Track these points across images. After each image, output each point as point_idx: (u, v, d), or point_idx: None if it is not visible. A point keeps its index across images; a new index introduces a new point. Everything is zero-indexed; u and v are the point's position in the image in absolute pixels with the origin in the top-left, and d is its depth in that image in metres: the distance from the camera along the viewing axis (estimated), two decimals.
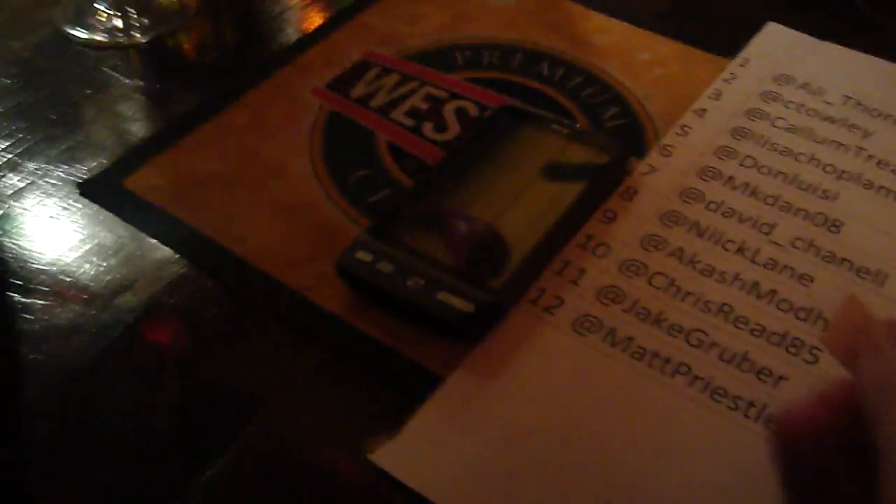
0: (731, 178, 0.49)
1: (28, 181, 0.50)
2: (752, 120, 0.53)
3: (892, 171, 0.50)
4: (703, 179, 0.49)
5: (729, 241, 0.46)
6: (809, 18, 0.61)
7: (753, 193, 0.48)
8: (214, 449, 0.38)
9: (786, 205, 0.48)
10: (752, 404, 0.39)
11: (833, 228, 0.47)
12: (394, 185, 0.49)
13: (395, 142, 0.51)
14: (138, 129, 0.53)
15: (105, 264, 0.45)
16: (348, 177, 0.49)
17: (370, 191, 0.48)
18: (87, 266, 0.45)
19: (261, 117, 0.53)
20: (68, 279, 0.44)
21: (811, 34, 0.59)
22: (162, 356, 0.42)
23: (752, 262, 0.45)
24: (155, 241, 0.46)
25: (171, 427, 0.39)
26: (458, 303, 0.40)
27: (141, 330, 0.42)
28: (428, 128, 0.52)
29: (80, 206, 0.48)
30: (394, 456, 0.37)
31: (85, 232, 0.47)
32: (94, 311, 0.43)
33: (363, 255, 0.43)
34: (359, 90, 0.54)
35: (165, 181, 0.49)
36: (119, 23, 0.61)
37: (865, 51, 0.58)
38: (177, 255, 0.46)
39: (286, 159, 0.50)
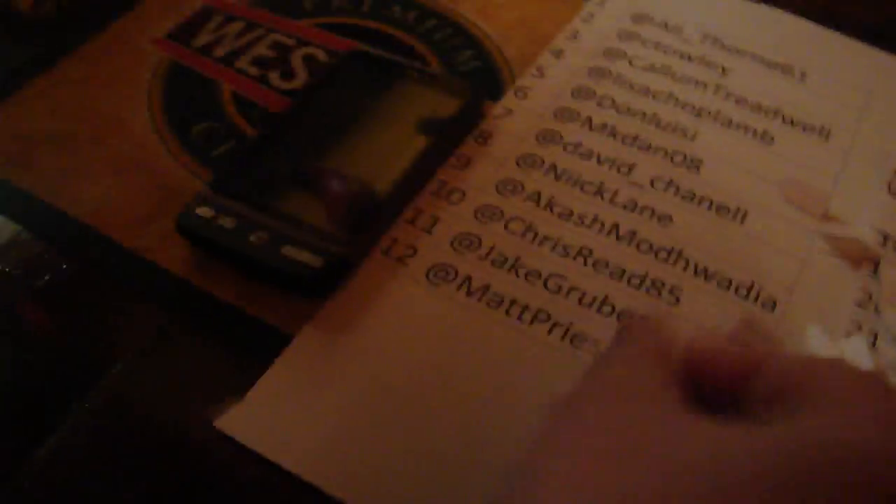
0: (588, 118, 0.48)
1: None
2: (610, 60, 0.51)
3: (751, 108, 0.49)
4: (560, 121, 0.48)
5: (587, 182, 0.45)
6: None
7: (612, 134, 0.47)
8: (51, 423, 0.35)
9: (645, 145, 0.47)
10: None
11: (692, 167, 0.46)
12: (239, 137, 0.46)
13: (240, 92, 0.48)
14: None
15: None
16: (191, 130, 0.46)
17: (214, 144, 0.46)
18: None
19: (96, 70, 0.49)
20: None
21: None
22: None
23: (611, 203, 0.44)
24: None
25: (2, 403, 0.36)
26: (304, 257, 0.38)
27: None
28: (275, 77, 0.49)
29: None
30: (240, 421, 0.35)
31: None
32: None
33: (204, 211, 0.40)
34: (201, 39, 0.52)
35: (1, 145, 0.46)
36: None
37: None
38: (6, 219, 0.42)
39: (124, 114, 0.47)
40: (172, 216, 0.41)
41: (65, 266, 0.41)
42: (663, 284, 0.40)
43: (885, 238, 0.43)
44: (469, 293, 0.40)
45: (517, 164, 0.45)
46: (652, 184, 0.45)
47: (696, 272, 0.41)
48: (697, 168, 0.46)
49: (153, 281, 0.40)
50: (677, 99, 0.49)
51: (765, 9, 0.56)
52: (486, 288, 0.40)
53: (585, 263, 0.41)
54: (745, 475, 0.22)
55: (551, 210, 0.43)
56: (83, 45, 0.51)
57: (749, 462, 0.22)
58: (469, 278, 0.40)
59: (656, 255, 0.42)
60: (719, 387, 0.27)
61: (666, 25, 0.54)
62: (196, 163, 0.44)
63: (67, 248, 0.42)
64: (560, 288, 0.40)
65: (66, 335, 0.39)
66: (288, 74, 0.49)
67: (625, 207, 0.44)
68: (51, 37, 0.51)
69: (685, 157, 0.46)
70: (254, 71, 0.49)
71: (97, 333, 0.39)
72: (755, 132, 0.48)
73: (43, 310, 0.40)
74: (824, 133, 0.48)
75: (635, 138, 0.47)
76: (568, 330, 0.39)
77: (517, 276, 0.40)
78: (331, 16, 0.54)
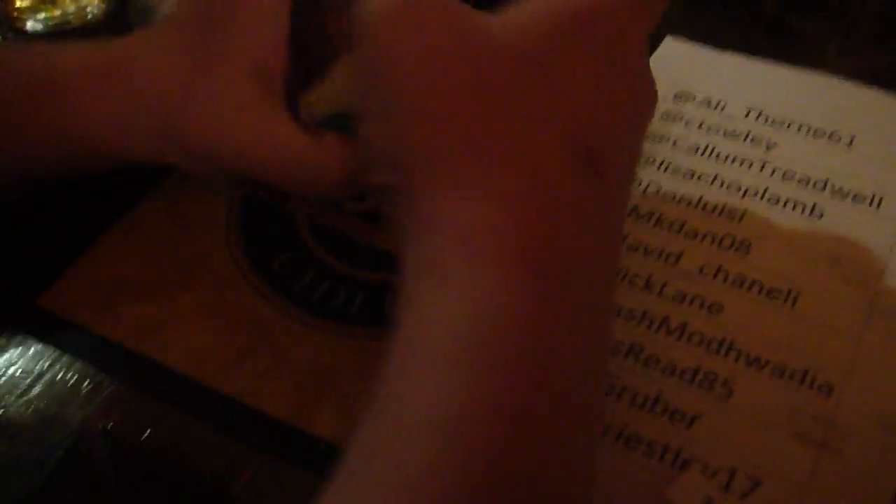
0: (635, 207, 0.48)
1: None
2: (654, 143, 0.52)
3: (798, 181, 0.49)
4: None
5: (635, 275, 0.45)
6: (713, 21, 0.60)
7: (658, 222, 0.48)
8: None
9: (692, 231, 0.47)
10: (666, 448, 0.38)
11: (741, 250, 0.46)
12: (319, 265, 0.47)
13: (316, 218, 0.50)
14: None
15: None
16: (271, 263, 0.47)
17: (296, 276, 0.47)
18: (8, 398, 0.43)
19: (175, 207, 0.51)
20: None
21: (715, 37, 0.58)
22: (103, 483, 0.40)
23: (660, 296, 0.44)
24: (79, 361, 0.44)
25: None
26: None
27: (75, 461, 0.40)
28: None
29: None
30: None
31: None
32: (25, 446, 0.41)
33: None
34: None
35: (83, 295, 0.47)
36: None
37: (773, 53, 0.57)
38: (94, 369, 0.43)
39: (203, 253, 0.48)
40: (264, 355, 0.42)
41: (165, 416, 0.41)
42: (716, 377, 0.41)
43: None
44: None
45: None
46: (701, 271, 0.45)
47: (748, 362, 0.41)
48: (747, 250, 0.46)
49: (254, 423, 0.41)
50: (723, 180, 0.50)
51: (810, 75, 0.56)
52: None
53: (637, 360, 0.42)
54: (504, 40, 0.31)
55: None
56: (162, 181, 0.52)
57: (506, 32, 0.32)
58: None
59: (707, 347, 0.42)
60: None
61: (709, 103, 0.55)
62: (280, 296, 0.46)
63: (161, 396, 0.42)
64: (612, 388, 0.41)
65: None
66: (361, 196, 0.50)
67: (674, 299, 0.44)
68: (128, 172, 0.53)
69: (734, 240, 0.46)
70: None
71: (203, 482, 0.39)
72: (804, 208, 0.48)
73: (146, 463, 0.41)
74: (875, 201, 0.48)
75: (682, 225, 0.47)
76: (622, 432, 0.39)
77: None
78: None
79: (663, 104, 0.55)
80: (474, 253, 0.30)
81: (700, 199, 0.49)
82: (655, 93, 0.36)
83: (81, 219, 0.50)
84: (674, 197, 0.49)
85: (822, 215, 0.48)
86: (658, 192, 0.49)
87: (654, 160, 0.51)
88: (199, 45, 0.40)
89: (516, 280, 0.29)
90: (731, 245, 0.46)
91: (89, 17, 0.66)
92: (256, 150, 0.39)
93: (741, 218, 0.47)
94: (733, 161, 0.51)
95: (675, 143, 0.52)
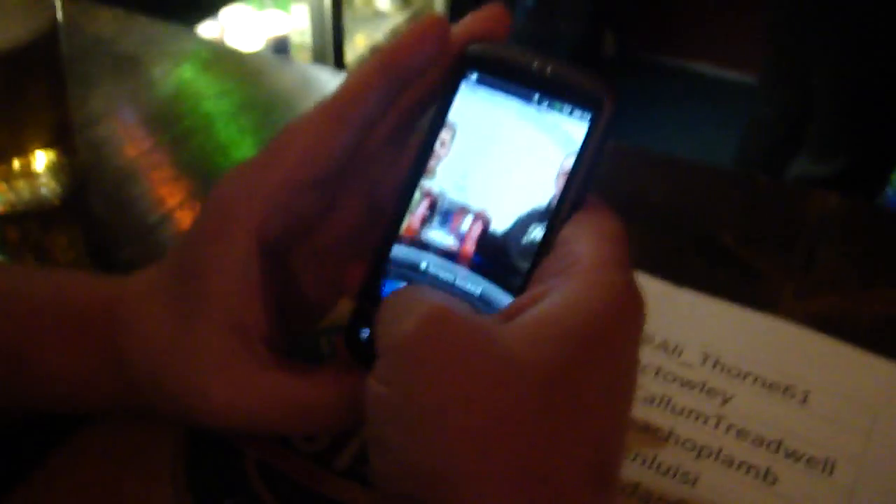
0: None
1: None
2: None
3: (753, 441, 0.49)
4: None
5: None
6: (670, 253, 0.61)
7: None
8: None
9: (645, 494, 0.46)
10: None
11: None
12: None
13: (264, 459, 0.49)
14: None
15: None
16: None
17: None
18: None
19: (118, 436, 0.49)
20: None
21: (673, 271, 0.59)
22: None
23: None
24: None
25: None
26: None
27: None
28: (299, 440, 0.49)
29: None
30: None
31: None
32: None
33: None
34: None
35: None
36: None
37: (730, 289, 0.58)
38: None
39: (147, 494, 0.47)
40: None
41: None
42: None
43: None
44: None
45: None
46: None
47: None
48: None
49: None
50: (678, 436, 0.49)
51: (766, 319, 0.56)
52: None
53: None
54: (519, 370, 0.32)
55: None
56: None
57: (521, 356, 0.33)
58: None
59: None
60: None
61: (666, 346, 0.55)
62: None
63: None
64: None
65: None
66: (310, 438, 0.49)
67: None
68: None
69: None
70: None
71: None
72: (758, 472, 0.48)
73: None
74: (828, 467, 0.48)
75: (636, 488, 0.47)
76: None
77: None
78: None
79: None
80: None
81: (654, 458, 0.48)
82: (637, 369, 0.37)
83: (11, 450, 0.48)
84: (629, 455, 0.48)
85: (775, 481, 0.48)
86: None
87: None
88: (178, 301, 0.40)
89: None
90: None
91: (44, 201, 0.66)
92: (243, 405, 0.39)
93: (695, 482, 0.47)
94: (689, 414, 0.51)
95: None
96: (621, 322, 0.35)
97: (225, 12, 1.90)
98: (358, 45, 2.35)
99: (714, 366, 0.54)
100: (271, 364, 0.40)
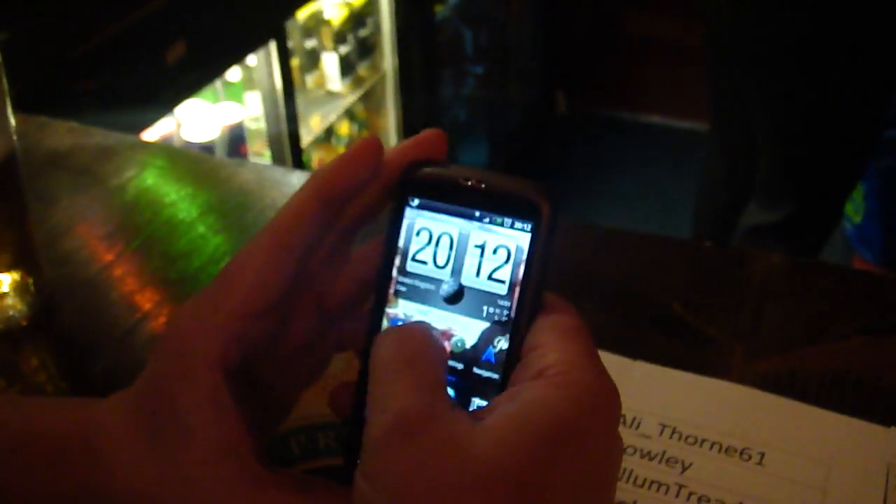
0: None
1: None
2: None
3: None
4: None
5: None
6: (622, 327, 0.63)
7: None
8: None
9: None
10: None
11: None
12: None
13: None
14: None
15: None
16: None
17: None
18: None
19: None
20: None
21: (630, 348, 0.61)
22: None
23: None
24: None
25: None
26: None
27: None
28: None
29: None
30: None
31: None
32: None
33: None
34: None
35: None
36: None
37: (682, 358, 0.60)
38: None
39: None
40: None
41: None
42: None
43: None
44: None
45: None
46: None
47: None
48: None
49: None
50: None
51: (718, 384, 0.58)
52: None
53: None
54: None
55: None
56: None
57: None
58: None
59: None
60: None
61: (625, 420, 0.57)
62: None
63: None
64: None
65: None
66: None
67: None
68: None
69: None
70: None
71: None
72: None
73: None
74: None
75: None
76: None
77: None
78: None
79: None
80: None
81: None
82: (621, 455, 0.39)
83: None
84: None
85: None
86: None
87: None
88: (156, 437, 0.41)
89: None
90: None
91: (12, 322, 0.67)
92: None
93: None
94: (651, 486, 0.52)
95: None
96: (592, 419, 0.36)
97: (180, 108, 1.93)
98: (313, 126, 2.39)
99: (672, 435, 0.56)
100: (271, 482, 0.41)
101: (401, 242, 0.42)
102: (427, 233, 0.42)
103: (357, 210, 0.44)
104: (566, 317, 0.40)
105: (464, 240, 0.41)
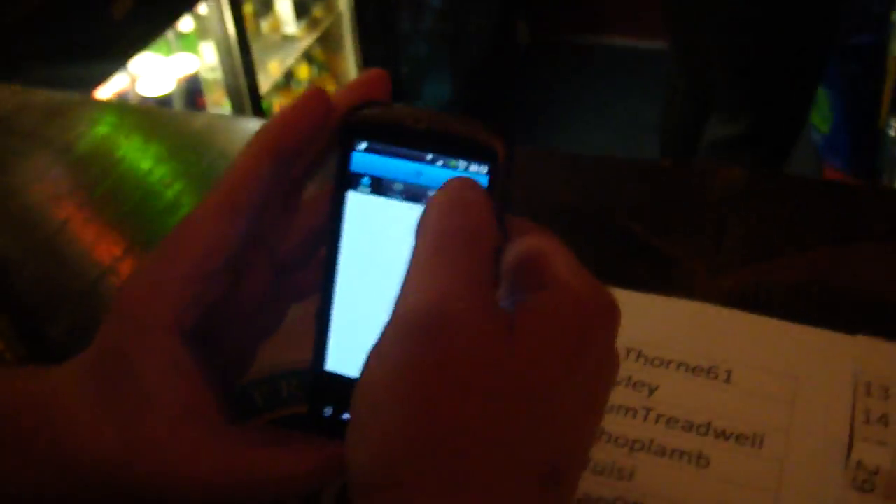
0: None
1: None
2: None
3: (682, 427, 0.51)
4: None
5: None
6: (587, 251, 0.62)
7: None
8: None
9: (584, 497, 0.48)
10: None
11: None
12: None
13: None
14: None
15: None
16: None
17: None
18: None
19: None
20: None
21: (589, 268, 0.60)
22: None
23: None
24: None
25: None
26: None
27: None
28: None
29: None
30: None
31: None
32: None
33: None
34: None
35: None
36: None
37: (647, 279, 0.59)
38: None
39: None
40: None
41: None
42: None
43: None
44: None
45: None
46: None
47: None
48: None
49: None
50: (610, 434, 0.51)
51: (684, 305, 0.58)
52: None
53: None
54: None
55: None
56: None
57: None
58: None
59: None
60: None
61: None
62: None
63: None
64: None
65: None
66: None
67: None
68: None
69: (625, 503, 0.47)
70: None
71: None
72: (690, 457, 0.49)
73: None
74: (757, 441, 0.50)
75: None
76: None
77: None
78: None
79: None
80: None
81: (590, 459, 0.50)
82: (619, 365, 0.39)
83: None
84: None
85: (707, 464, 0.49)
86: None
87: None
88: (116, 402, 0.40)
89: None
90: None
91: None
92: (221, 482, 0.40)
93: (631, 476, 0.49)
94: (618, 410, 0.52)
95: None
96: (598, 329, 0.37)
97: (133, 62, 1.89)
98: (272, 72, 2.36)
99: (637, 358, 0.55)
100: (240, 439, 0.40)
101: (350, 190, 0.40)
102: (377, 178, 0.40)
103: (307, 160, 0.43)
104: (549, 233, 0.39)
105: (416, 183, 0.40)
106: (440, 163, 0.39)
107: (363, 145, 0.40)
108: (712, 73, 1.67)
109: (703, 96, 1.80)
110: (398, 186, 0.39)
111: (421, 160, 0.39)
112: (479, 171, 0.38)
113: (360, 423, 0.34)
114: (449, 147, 0.39)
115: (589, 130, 2.92)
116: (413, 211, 0.38)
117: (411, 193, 0.39)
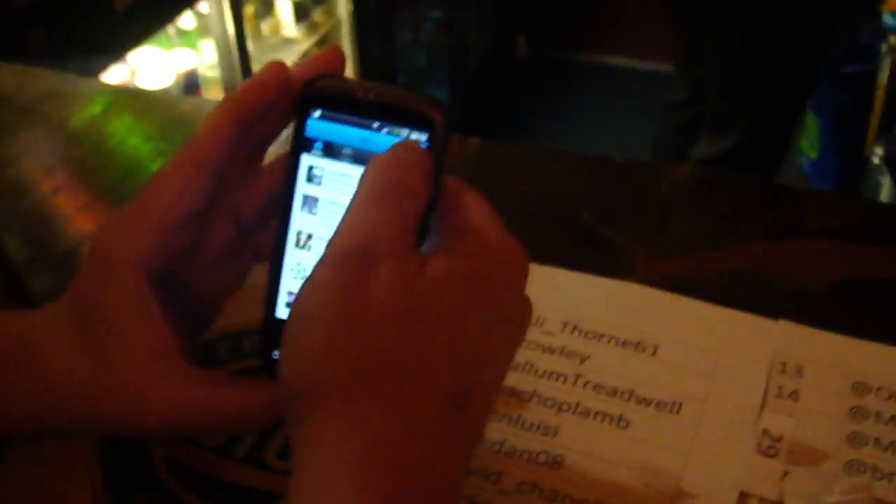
0: None
1: None
2: None
3: (608, 393, 0.55)
4: None
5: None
6: (533, 236, 0.67)
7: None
8: None
9: (510, 449, 0.52)
10: None
11: (554, 465, 0.51)
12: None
13: (172, 456, 0.53)
14: None
15: None
16: (133, 500, 0.51)
17: None
18: None
19: (40, 449, 0.54)
20: None
21: (536, 251, 0.64)
22: None
23: None
24: None
25: None
26: None
27: None
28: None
29: None
30: None
31: None
32: None
33: None
34: None
35: None
36: None
37: (589, 264, 0.64)
38: None
39: (67, 494, 0.52)
40: None
41: None
42: None
43: (762, 501, 0.48)
44: None
45: None
46: (518, 488, 0.50)
47: None
48: (559, 465, 0.51)
49: None
50: (541, 396, 0.55)
51: (621, 286, 0.62)
52: None
53: None
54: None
55: None
56: None
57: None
58: None
59: None
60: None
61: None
62: None
63: None
64: None
65: None
66: None
67: None
68: None
69: (548, 455, 0.52)
70: None
71: None
72: (612, 419, 0.54)
73: None
74: (675, 408, 0.54)
75: (501, 444, 0.52)
76: None
77: None
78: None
79: None
80: (343, 481, 0.36)
81: (519, 417, 0.54)
82: (531, 311, 0.43)
83: None
84: (495, 416, 0.54)
85: (628, 425, 0.53)
86: None
87: None
88: (88, 340, 0.45)
89: None
90: (546, 460, 0.52)
91: None
92: (179, 417, 0.45)
93: (556, 433, 0.53)
94: (550, 376, 0.56)
95: None
96: (506, 271, 0.41)
97: (133, 55, 1.94)
98: None
99: (573, 331, 0.60)
100: (198, 378, 0.45)
101: (304, 153, 0.45)
102: (329, 142, 0.45)
103: (267, 127, 0.47)
104: (475, 192, 0.44)
105: (363, 149, 0.44)
106: (385, 130, 0.43)
107: (318, 113, 0.44)
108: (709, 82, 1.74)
109: (699, 115, 1.86)
110: (347, 151, 0.44)
111: (368, 128, 0.44)
112: (419, 139, 0.43)
113: (291, 338, 0.39)
114: (393, 116, 0.44)
115: (582, 147, 2.96)
116: (360, 172, 0.43)
117: (359, 157, 0.44)
